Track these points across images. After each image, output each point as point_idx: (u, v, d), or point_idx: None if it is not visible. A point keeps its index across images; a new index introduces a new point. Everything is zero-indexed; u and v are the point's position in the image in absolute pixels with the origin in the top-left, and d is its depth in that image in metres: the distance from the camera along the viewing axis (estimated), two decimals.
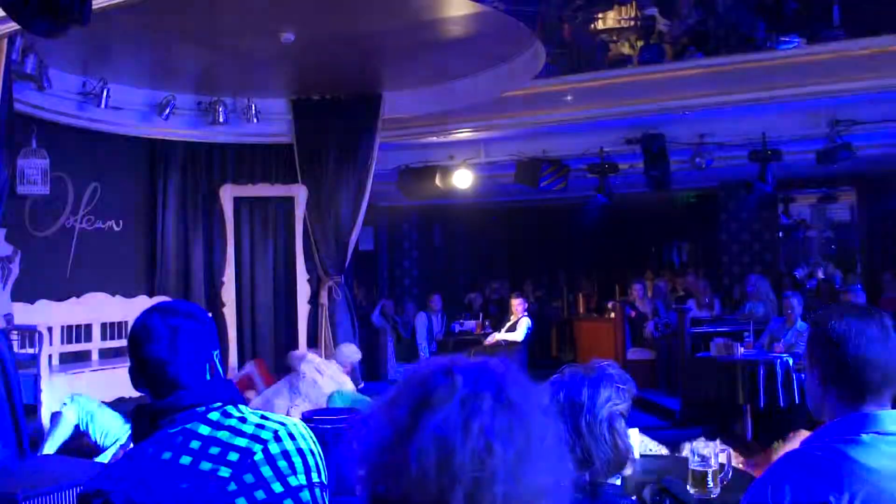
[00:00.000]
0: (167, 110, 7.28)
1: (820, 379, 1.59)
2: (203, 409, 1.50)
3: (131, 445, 1.57)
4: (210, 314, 1.68)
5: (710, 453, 2.27)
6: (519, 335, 9.14)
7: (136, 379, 1.59)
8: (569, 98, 7.75)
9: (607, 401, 1.78)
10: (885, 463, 1.42)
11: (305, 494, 1.50)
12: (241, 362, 7.81)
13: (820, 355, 1.59)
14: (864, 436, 1.47)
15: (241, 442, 1.47)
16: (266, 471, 1.46)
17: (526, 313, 9.36)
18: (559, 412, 1.73)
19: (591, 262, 13.75)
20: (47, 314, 6.69)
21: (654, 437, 3.72)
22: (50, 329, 6.58)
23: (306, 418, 4.80)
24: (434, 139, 8.61)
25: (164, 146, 7.78)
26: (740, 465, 2.90)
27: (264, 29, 5.95)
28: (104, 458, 4.90)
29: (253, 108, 7.49)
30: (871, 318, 1.55)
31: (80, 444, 5.19)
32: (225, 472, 1.42)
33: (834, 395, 1.56)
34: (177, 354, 1.55)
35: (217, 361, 1.61)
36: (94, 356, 7.21)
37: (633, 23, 9.15)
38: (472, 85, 7.39)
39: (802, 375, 6.53)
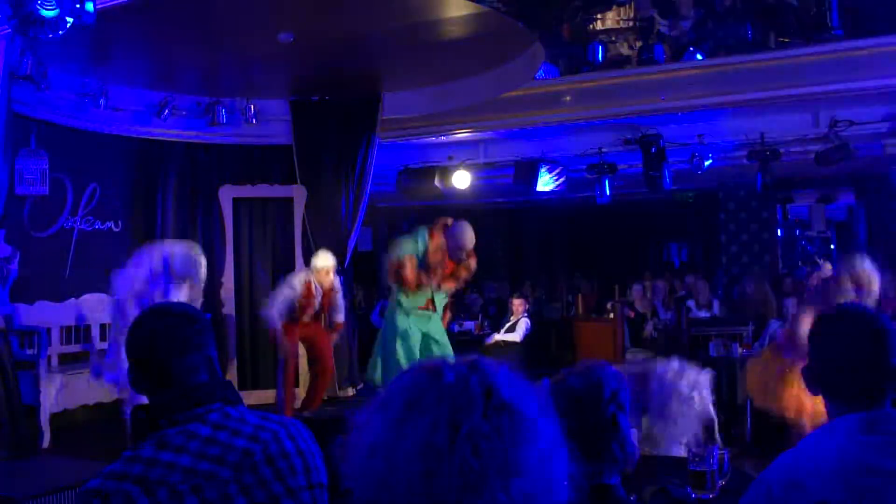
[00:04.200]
0: (166, 111, 7.27)
1: (819, 380, 1.59)
2: (202, 409, 1.50)
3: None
4: (208, 315, 1.68)
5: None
6: (517, 336, 9.12)
7: (135, 380, 1.59)
8: (567, 98, 7.74)
9: (612, 400, 1.78)
10: (883, 463, 1.42)
11: (305, 495, 1.50)
12: (241, 362, 7.80)
13: (817, 357, 1.60)
14: (862, 436, 1.47)
15: (241, 442, 1.47)
16: (266, 471, 1.46)
17: (526, 314, 9.34)
18: (562, 412, 1.73)
19: (590, 263, 13.74)
20: (46, 315, 6.67)
21: None
22: (49, 330, 6.57)
23: (306, 419, 4.80)
24: (433, 140, 8.61)
25: (164, 147, 7.76)
26: None
27: (264, 29, 5.95)
28: None
29: (252, 108, 7.49)
30: (866, 320, 1.56)
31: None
32: (225, 472, 1.41)
33: (833, 396, 1.56)
34: (175, 355, 1.55)
35: (215, 362, 1.61)
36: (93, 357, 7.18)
37: (631, 23, 9.14)
38: (471, 85, 7.39)
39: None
